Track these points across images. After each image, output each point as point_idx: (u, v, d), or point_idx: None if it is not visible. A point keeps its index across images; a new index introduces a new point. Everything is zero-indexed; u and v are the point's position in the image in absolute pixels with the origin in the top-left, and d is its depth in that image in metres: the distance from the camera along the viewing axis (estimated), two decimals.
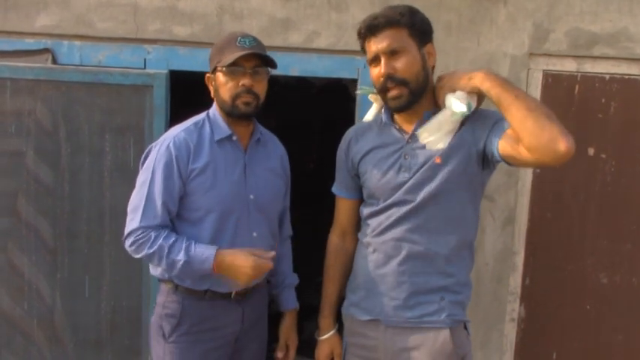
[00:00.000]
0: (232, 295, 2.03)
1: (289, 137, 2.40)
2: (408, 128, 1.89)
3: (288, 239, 2.29)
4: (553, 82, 2.62)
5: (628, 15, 2.57)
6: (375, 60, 1.83)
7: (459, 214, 1.86)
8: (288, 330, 2.22)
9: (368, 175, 1.93)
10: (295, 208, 2.33)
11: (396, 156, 1.88)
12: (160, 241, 1.88)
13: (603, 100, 2.61)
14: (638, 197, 2.64)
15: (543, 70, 2.62)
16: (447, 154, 1.81)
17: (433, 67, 1.89)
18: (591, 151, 2.63)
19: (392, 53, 1.80)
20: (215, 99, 2.02)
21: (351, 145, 2.01)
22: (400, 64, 1.79)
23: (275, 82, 2.13)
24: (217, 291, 2.00)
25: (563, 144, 1.59)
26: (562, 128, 1.61)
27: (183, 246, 1.89)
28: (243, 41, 1.95)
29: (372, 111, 2.05)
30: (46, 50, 2.56)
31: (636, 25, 2.57)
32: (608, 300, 2.69)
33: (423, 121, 1.86)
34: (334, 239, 2.10)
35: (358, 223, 2.04)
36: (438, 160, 1.81)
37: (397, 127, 1.92)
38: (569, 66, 2.62)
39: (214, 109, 2.04)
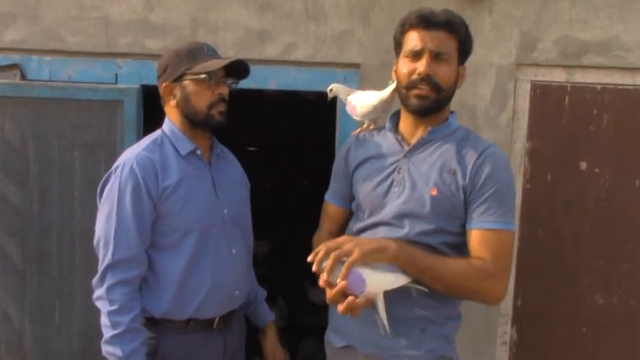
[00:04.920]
0: (215, 324, 1.90)
1: (282, 153, 2.33)
2: (410, 139, 1.80)
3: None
4: (542, 93, 2.50)
5: (619, 22, 2.46)
6: (416, 55, 1.72)
7: (448, 249, 1.73)
8: (272, 345, 2.13)
9: (359, 185, 1.83)
10: (287, 226, 2.25)
11: (390, 169, 1.78)
12: (129, 322, 1.74)
13: (595, 112, 2.49)
14: (634, 213, 2.51)
15: (531, 81, 2.50)
16: (441, 190, 1.70)
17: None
18: (584, 165, 2.51)
19: (438, 56, 1.70)
20: (179, 109, 1.88)
21: (350, 151, 1.92)
22: (442, 70, 1.71)
23: (265, 98, 2.05)
24: (200, 318, 1.86)
25: (494, 298, 1.71)
26: (477, 279, 1.65)
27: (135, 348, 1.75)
28: (210, 49, 1.90)
29: (386, 91, 1.88)
30: (14, 66, 2.48)
31: (628, 33, 2.46)
32: (605, 322, 2.55)
33: (426, 137, 1.77)
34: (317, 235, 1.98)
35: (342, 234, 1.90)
36: (433, 192, 1.70)
37: (399, 137, 1.82)
38: (558, 76, 2.51)
39: (170, 125, 1.92)
